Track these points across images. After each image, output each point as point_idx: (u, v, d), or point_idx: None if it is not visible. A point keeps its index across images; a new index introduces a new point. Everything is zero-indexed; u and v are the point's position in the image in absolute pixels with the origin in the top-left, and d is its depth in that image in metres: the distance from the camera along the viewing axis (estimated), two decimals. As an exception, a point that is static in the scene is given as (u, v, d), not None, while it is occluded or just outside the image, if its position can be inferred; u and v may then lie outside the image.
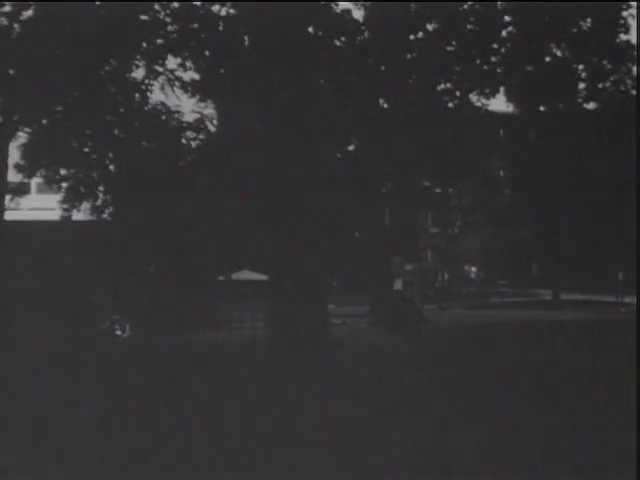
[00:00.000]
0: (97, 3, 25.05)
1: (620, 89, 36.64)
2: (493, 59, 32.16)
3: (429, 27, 31.16)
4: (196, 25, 25.57)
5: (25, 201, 31.23)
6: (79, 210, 28.90)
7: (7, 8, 24.87)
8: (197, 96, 26.59)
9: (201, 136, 27.65)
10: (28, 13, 24.91)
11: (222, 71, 26.35)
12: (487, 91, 32.88)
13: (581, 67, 36.93)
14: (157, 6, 25.97)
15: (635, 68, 35.19)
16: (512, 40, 32.15)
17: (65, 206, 28.80)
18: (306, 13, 24.94)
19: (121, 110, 26.75)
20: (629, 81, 35.95)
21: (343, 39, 27.63)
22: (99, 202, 28.21)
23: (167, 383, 15.84)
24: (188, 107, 27.49)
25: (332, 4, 27.06)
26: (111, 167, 28.15)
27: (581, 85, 38.08)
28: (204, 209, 27.25)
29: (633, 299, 36.94)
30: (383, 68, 29.83)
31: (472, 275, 63.86)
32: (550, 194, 43.62)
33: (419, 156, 32.25)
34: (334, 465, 9.50)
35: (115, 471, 9.44)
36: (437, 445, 10.33)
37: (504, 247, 56.47)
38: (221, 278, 37.88)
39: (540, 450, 10.02)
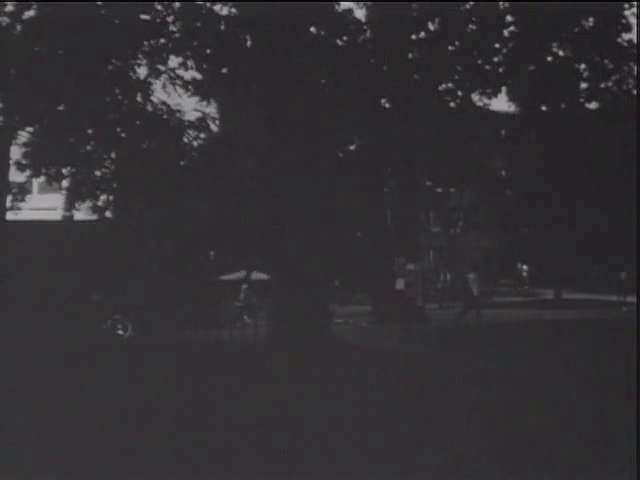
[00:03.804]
0: (99, 3, 25.07)
1: (622, 88, 36.66)
2: (495, 59, 32.21)
3: (431, 27, 31.20)
4: (198, 24, 25.59)
5: (27, 201, 31.29)
6: (80, 210, 28.92)
7: (9, 8, 24.90)
8: (199, 95, 26.63)
9: (203, 135, 27.66)
10: (30, 13, 24.94)
11: (224, 71, 26.38)
12: (489, 91, 32.95)
13: (583, 67, 36.98)
14: (159, 6, 26.01)
15: (636, 67, 35.23)
16: (514, 40, 32.21)
17: (67, 206, 28.82)
18: (308, 13, 24.96)
19: (123, 109, 26.76)
20: (630, 80, 35.98)
21: (345, 39, 27.64)
22: (101, 202, 28.24)
23: (169, 382, 15.86)
24: (190, 106, 27.51)
25: (334, 4, 27.08)
26: (113, 166, 28.17)
27: (583, 85, 38.14)
28: (206, 208, 27.27)
29: (634, 298, 36.94)
30: (385, 68, 29.85)
31: (524, 274, 63.52)
32: (551, 193, 43.62)
33: (421, 156, 32.28)
34: (334, 465, 9.51)
35: (115, 471, 9.46)
36: (438, 444, 10.34)
37: (506, 246, 56.50)
38: (224, 277, 37.94)
39: (539, 450, 10.02)
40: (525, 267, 63.28)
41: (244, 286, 34.30)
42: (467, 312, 30.82)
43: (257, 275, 36.83)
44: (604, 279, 51.42)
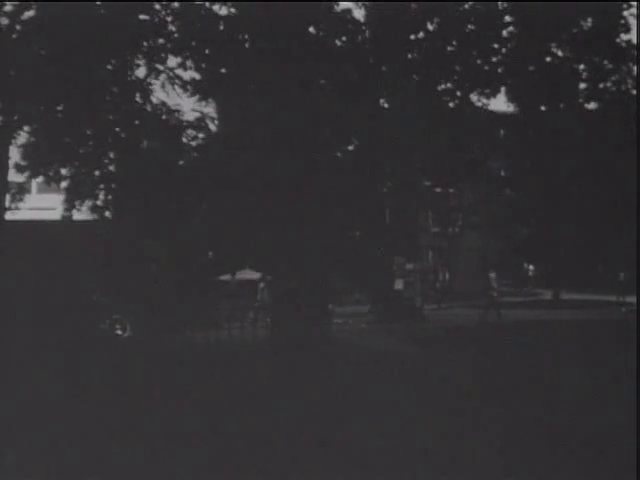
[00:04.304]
0: (98, 3, 25.07)
1: (621, 89, 36.65)
2: (494, 59, 32.25)
3: (430, 27, 31.22)
4: (197, 25, 25.61)
5: (26, 201, 31.28)
6: (79, 210, 28.92)
7: (8, 8, 24.90)
8: (197, 95, 26.64)
9: (201, 135, 27.67)
10: (29, 13, 24.94)
11: (222, 71, 26.39)
12: (488, 91, 32.97)
13: (582, 67, 36.96)
14: (158, 6, 26.02)
15: (635, 68, 35.22)
16: (513, 40, 32.25)
17: (66, 206, 28.82)
18: (307, 13, 24.97)
19: (122, 109, 26.78)
20: (630, 81, 35.96)
21: (344, 39, 27.67)
22: (100, 201, 28.25)
23: (167, 383, 15.85)
24: (189, 106, 27.53)
25: (333, 4, 27.10)
26: (112, 166, 28.18)
27: (582, 85, 38.12)
28: (204, 208, 27.27)
29: (634, 299, 36.92)
30: (384, 68, 29.88)
31: (530, 274, 62.96)
32: (550, 194, 43.63)
33: (420, 156, 32.28)
34: (334, 465, 9.51)
35: (114, 471, 9.45)
36: (438, 444, 10.35)
37: (505, 247, 56.41)
38: (222, 277, 37.93)
39: (539, 450, 10.03)
40: (532, 267, 62.86)
41: (261, 285, 34.22)
42: (490, 309, 31.36)
43: (257, 275, 36.77)
44: (604, 279, 51.37)
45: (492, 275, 32.49)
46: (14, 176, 28.78)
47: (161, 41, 26.35)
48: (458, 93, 32.58)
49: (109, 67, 26.08)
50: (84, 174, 28.26)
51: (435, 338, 26.03)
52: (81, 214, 29.59)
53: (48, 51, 24.45)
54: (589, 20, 34.89)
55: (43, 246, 27.08)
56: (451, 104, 32.84)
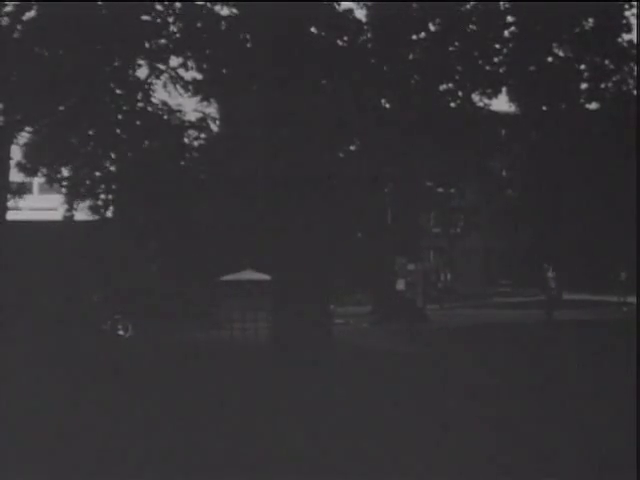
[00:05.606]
0: (99, 3, 25.08)
1: (622, 89, 36.58)
2: (495, 59, 32.21)
3: (431, 27, 31.20)
4: (198, 25, 25.61)
5: (27, 201, 31.31)
6: (77, 210, 28.94)
7: (9, 8, 24.90)
8: (199, 96, 26.65)
9: (203, 135, 27.69)
10: (31, 13, 24.94)
11: (224, 71, 26.39)
12: (489, 91, 32.93)
13: (583, 67, 36.91)
14: (159, 6, 26.02)
15: (636, 68, 35.14)
16: (514, 40, 32.20)
17: (67, 206, 28.85)
18: (308, 13, 24.95)
19: (124, 109, 26.80)
20: (631, 81, 35.90)
21: (345, 39, 27.67)
22: (100, 201, 28.26)
23: (169, 383, 15.85)
24: (190, 106, 27.54)
25: (334, 4, 27.08)
26: (113, 167, 28.20)
27: (583, 85, 38.06)
28: (206, 208, 27.27)
29: (634, 299, 36.92)
30: (385, 68, 29.86)
31: (550, 274, 62.44)
32: (552, 194, 43.56)
33: (421, 156, 32.26)
34: (334, 465, 9.51)
35: (116, 471, 9.45)
36: (437, 444, 10.34)
37: (506, 247, 56.38)
38: (223, 278, 37.91)
39: (539, 450, 10.02)
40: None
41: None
42: (552, 308, 31.52)
43: (258, 275, 36.71)
44: (604, 279, 51.32)
45: (550, 275, 32.61)
46: (16, 176, 28.82)
47: (163, 41, 26.37)
48: (460, 93, 32.56)
49: (111, 67, 26.08)
50: (85, 174, 28.28)
51: (434, 338, 26.02)
52: (82, 214, 29.60)
53: (49, 51, 24.46)
54: (590, 20, 34.84)
55: (44, 246, 27.08)
56: (453, 104, 32.82)
